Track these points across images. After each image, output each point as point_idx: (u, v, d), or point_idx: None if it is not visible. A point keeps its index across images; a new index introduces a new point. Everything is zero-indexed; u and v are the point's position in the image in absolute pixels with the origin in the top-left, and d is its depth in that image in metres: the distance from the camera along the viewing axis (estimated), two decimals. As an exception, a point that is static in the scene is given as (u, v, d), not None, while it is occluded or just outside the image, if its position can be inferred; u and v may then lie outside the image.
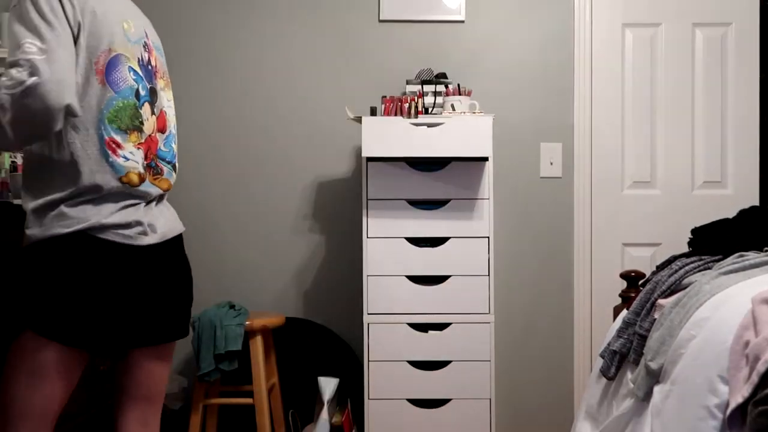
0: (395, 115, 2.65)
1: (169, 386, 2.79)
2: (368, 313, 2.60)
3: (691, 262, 1.85)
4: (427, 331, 2.60)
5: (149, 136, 1.55)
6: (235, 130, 3.05)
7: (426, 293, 2.60)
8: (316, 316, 3.02)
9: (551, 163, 3.04)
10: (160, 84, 1.62)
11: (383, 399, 2.60)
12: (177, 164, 1.69)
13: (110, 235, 1.45)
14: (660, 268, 1.97)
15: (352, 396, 2.81)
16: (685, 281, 1.77)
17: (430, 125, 2.55)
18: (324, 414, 2.62)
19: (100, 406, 2.37)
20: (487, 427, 2.59)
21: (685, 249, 2.10)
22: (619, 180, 3.06)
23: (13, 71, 1.31)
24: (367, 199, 2.61)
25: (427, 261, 2.60)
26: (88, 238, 1.43)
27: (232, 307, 2.70)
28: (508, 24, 3.05)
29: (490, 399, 2.60)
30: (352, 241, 2.95)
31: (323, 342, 2.95)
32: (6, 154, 2.27)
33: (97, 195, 1.45)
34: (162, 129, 1.61)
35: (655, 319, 1.72)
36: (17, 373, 1.44)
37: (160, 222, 1.57)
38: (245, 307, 2.73)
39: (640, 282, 2.11)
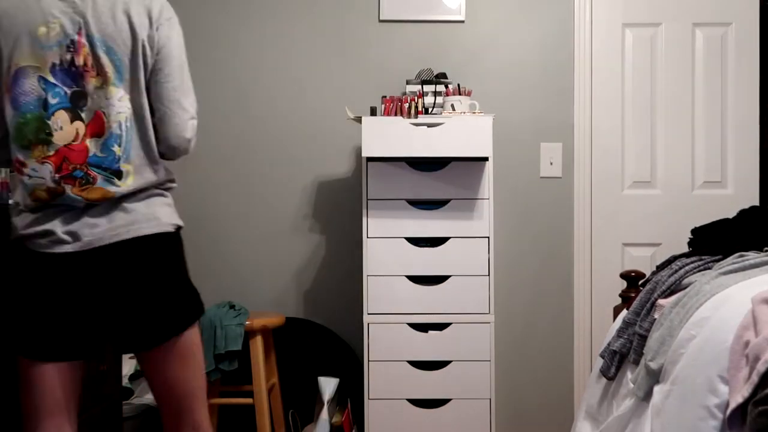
0: (395, 115, 2.65)
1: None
2: (368, 313, 2.60)
3: (691, 262, 1.85)
4: (427, 331, 2.60)
5: (65, 146, 1.48)
6: (234, 130, 3.05)
7: (426, 293, 2.60)
8: (316, 316, 3.02)
9: (551, 163, 3.04)
10: (93, 83, 1.50)
11: (383, 399, 2.60)
12: (127, 168, 1.53)
13: (29, 244, 1.51)
14: (660, 268, 1.97)
15: (352, 396, 2.81)
16: (685, 281, 1.77)
17: (430, 125, 2.55)
18: (324, 414, 2.62)
19: (100, 407, 2.37)
20: (487, 427, 2.58)
21: (685, 249, 2.10)
22: (619, 180, 3.06)
23: None
24: (367, 199, 2.61)
25: (427, 261, 2.60)
26: (20, 247, 1.53)
27: (232, 307, 2.70)
28: (508, 24, 3.05)
29: (490, 399, 2.60)
30: (352, 241, 2.95)
31: (323, 342, 2.95)
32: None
33: (21, 208, 1.53)
34: (97, 132, 1.50)
35: (655, 319, 1.72)
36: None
37: (92, 230, 1.50)
38: (245, 307, 2.74)
39: (640, 282, 2.11)
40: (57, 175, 1.48)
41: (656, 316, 1.73)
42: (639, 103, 3.05)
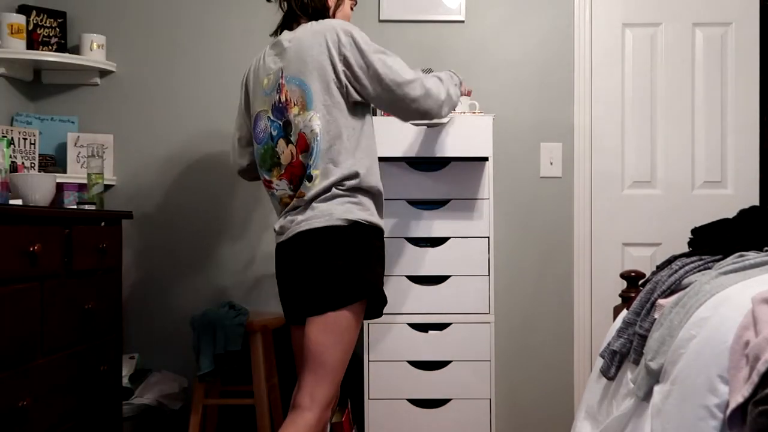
0: (395, 115, 2.65)
1: (169, 386, 2.79)
2: (368, 313, 2.59)
3: (691, 262, 1.85)
4: (427, 331, 2.60)
5: (288, 165, 1.90)
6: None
7: (426, 293, 2.60)
8: (316, 316, 3.02)
9: (551, 163, 3.04)
10: (294, 112, 1.88)
11: (383, 399, 2.60)
12: (315, 173, 1.87)
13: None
14: (660, 268, 1.97)
15: (352, 396, 2.81)
16: (685, 281, 1.77)
17: (430, 125, 2.55)
18: (324, 414, 2.61)
19: (100, 407, 2.37)
20: (487, 427, 2.58)
21: (685, 249, 2.10)
22: (619, 180, 3.06)
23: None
24: (367, 199, 2.60)
25: (427, 261, 2.60)
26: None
27: (232, 307, 2.70)
28: (508, 24, 3.05)
29: (490, 399, 2.59)
30: (352, 241, 2.95)
31: (323, 342, 2.94)
32: (6, 154, 2.26)
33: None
34: (304, 149, 1.88)
35: (655, 319, 1.72)
36: None
37: (290, 226, 1.90)
38: (245, 307, 2.74)
39: (640, 282, 2.11)
40: (293, 186, 1.91)
41: (656, 316, 1.72)
42: (639, 103, 3.05)
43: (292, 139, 1.89)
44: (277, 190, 1.96)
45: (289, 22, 2.02)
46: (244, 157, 2.16)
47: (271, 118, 1.93)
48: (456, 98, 2.06)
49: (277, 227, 1.97)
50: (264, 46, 3.06)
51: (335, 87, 1.87)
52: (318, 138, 1.85)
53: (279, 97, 1.91)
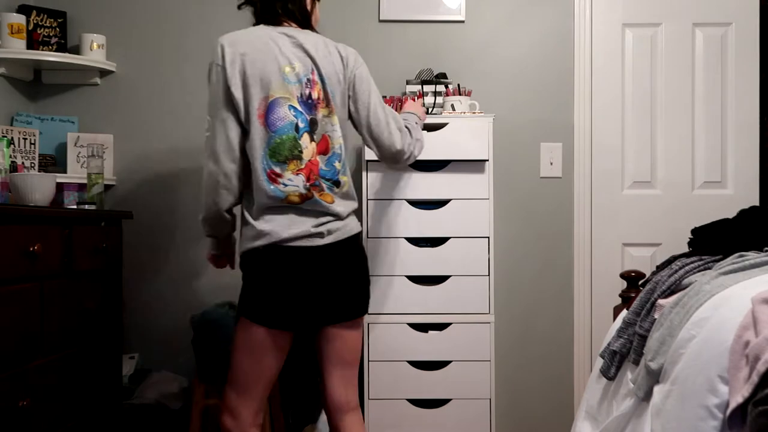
0: (395, 115, 2.65)
1: (169, 386, 2.79)
2: (368, 313, 2.59)
3: (691, 262, 1.85)
4: (427, 331, 2.60)
5: (309, 161, 1.88)
6: (235, 130, 3.05)
7: (426, 293, 2.60)
8: (316, 316, 3.02)
9: (551, 163, 3.04)
10: (322, 112, 1.91)
11: (383, 399, 2.60)
12: (344, 179, 1.95)
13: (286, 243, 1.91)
14: (660, 268, 1.97)
15: (352, 396, 2.80)
16: (685, 281, 1.77)
17: (430, 129, 2.55)
18: (324, 414, 2.61)
19: (100, 407, 2.37)
20: (487, 427, 2.58)
21: (685, 249, 2.10)
22: (619, 180, 3.06)
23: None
24: (367, 199, 2.61)
25: (427, 261, 2.60)
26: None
27: (232, 307, 2.69)
28: (508, 24, 3.05)
29: (490, 399, 2.59)
30: (352, 241, 2.95)
31: (323, 342, 2.94)
32: (6, 154, 2.26)
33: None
34: (323, 151, 1.91)
35: (655, 319, 1.72)
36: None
37: (317, 231, 1.89)
38: (245, 307, 2.73)
39: (640, 282, 2.11)
40: (308, 183, 1.86)
41: (656, 316, 1.73)
42: (639, 103, 3.05)
43: (315, 137, 1.89)
44: (287, 185, 1.85)
45: (270, 18, 2.02)
46: (234, 192, 1.91)
47: (298, 108, 1.87)
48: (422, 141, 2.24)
49: (293, 232, 1.85)
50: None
51: (346, 108, 2.01)
52: (342, 146, 1.94)
53: (309, 93, 1.89)
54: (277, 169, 1.85)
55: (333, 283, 1.90)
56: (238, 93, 1.86)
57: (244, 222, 1.91)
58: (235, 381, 1.92)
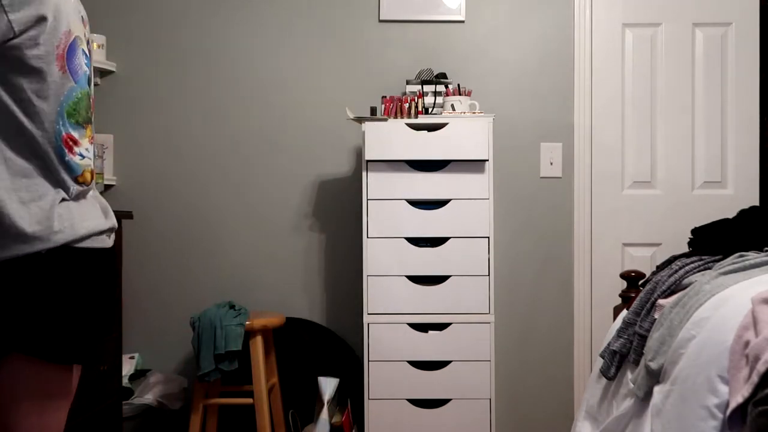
0: (395, 115, 2.66)
1: (169, 386, 2.79)
2: (368, 313, 2.60)
3: (691, 262, 1.85)
4: (427, 331, 2.60)
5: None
6: (234, 130, 3.05)
7: (426, 293, 2.60)
8: (316, 316, 3.02)
9: (551, 163, 3.04)
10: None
11: (383, 399, 2.60)
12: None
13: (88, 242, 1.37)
14: (660, 268, 1.97)
15: (352, 396, 2.81)
16: (685, 281, 1.77)
17: (430, 129, 2.56)
18: (324, 414, 2.62)
19: (100, 407, 2.38)
20: (487, 427, 2.58)
21: (685, 249, 2.10)
22: (619, 180, 3.06)
23: None
24: (367, 199, 2.61)
25: (427, 261, 2.60)
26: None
27: (232, 307, 2.70)
28: (508, 24, 3.05)
29: (490, 399, 2.59)
30: (352, 241, 2.96)
31: (323, 342, 2.95)
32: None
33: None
34: None
35: (655, 319, 1.72)
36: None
37: (113, 223, 1.42)
38: (245, 307, 2.73)
39: (640, 282, 2.11)
40: (94, 158, 1.39)
41: (656, 316, 1.73)
42: (639, 103, 3.05)
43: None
44: (82, 157, 1.32)
45: None
46: None
47: (87, 55, 1.36)
48: None
49: (105, 225, 1.35)
50: (265, 46, 3.09)
51: None
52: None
53: (90, 47, 1.39)
54: (75, 134, 1.31)
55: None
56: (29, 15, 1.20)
57: None
58: None
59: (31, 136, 1.25)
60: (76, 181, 1.31)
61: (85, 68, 1.34)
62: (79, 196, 1.32)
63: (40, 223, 1.23)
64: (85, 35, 1.36)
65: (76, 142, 1.31)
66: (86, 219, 1.31)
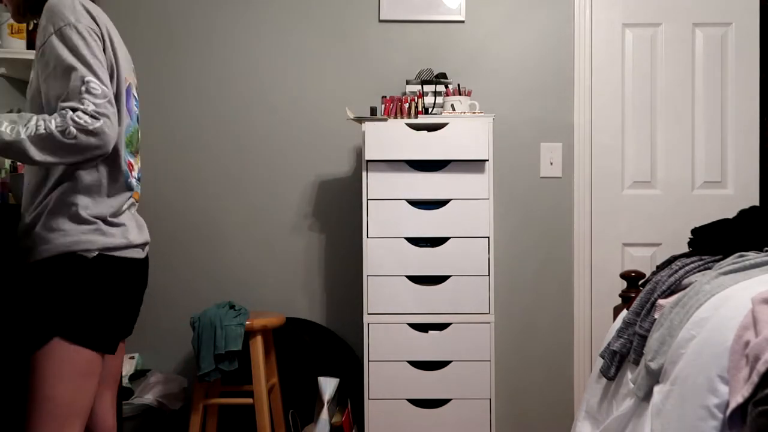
0: (395, 115, 2.66)
1: (169, 386, 2.79)
2: (368, 313, 2.60)
3: (691, 262, 1.85)
4: (427, 331, 2.60)
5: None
6: (234, 131, 3.05)
7: (426, 293, 2.60)
8: (316, 316, 3.02)
9: (551, 163, 3.04)
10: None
11: (383, 399, 2.60)
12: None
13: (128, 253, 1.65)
14: (660, 268, 1.97)
15: (352, 396, 2.81)
16: (685, 281, 1.77)
17: (430, 129, 2.55)
18: (324, 414, 2.62)
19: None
20: (487, 427, 2.58)
21: (685, 249, 2.10)
22: (619, 180, 3.06)
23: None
24: (367, 199, 2.61)
25: (427, 261, 2.60)
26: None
27: (232, 307, 2.70)
28: (508, 24, 3.05)
29: (490, 399, 2.59)
30: (352, 241, 2.96)
31: (323, 342, 2.95)
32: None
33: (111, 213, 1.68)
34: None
35: (655, 319, 1.72)
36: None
37: (147, 237, 1.72)
38: (245, 307, 2.74)
39: (640, 282, 2.11)
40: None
41: (656, 316, 1.73)
42: (639, 103, 3.05)
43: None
44: (138, 180, 1.67)
45: None
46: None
47: (137, 98, 1.70)
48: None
49: (141, 239, 1.62)
50: (265, 46, 3.09)
51: None
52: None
53: (137, 92, 1.73)
54: (132, 161, 1.63)
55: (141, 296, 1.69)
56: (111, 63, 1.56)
57: (75, 215, 1.49)
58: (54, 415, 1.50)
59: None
60: (132, 198, 1.62)
61: (135, 109, 1.66)
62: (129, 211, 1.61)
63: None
64: (134, 82, 1.69)
65: (132, 167, 1.62)
66: (128, 233, 1.57)
